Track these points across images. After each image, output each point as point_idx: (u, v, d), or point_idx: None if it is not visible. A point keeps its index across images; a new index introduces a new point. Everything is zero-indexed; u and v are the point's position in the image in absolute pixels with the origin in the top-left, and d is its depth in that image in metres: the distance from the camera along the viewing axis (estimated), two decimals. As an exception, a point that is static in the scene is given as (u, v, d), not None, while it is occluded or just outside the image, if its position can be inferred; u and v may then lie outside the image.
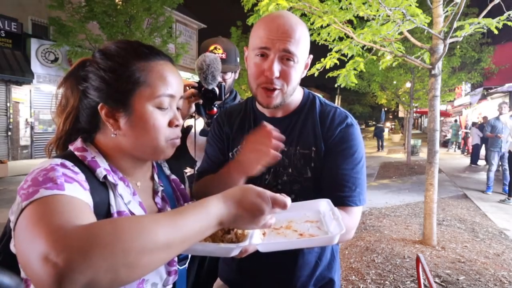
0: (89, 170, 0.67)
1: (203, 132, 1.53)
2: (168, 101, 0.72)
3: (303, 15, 4.08)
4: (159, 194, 0.83)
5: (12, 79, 10.58)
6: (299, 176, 0.97)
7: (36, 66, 11.45)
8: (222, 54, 1.62)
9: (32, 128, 11.71)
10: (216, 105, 1.42)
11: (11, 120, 11.07)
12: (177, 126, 0.75)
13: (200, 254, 0.69)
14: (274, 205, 0.62)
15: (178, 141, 0.77)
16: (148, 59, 0.72)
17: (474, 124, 12.51)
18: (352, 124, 0.99)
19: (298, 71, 0.94)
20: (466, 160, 12.30)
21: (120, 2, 9.52)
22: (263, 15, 3.79)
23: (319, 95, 1.09)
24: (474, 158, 11.22)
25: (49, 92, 12.03)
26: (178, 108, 0.77)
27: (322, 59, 4.31)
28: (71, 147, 0.71)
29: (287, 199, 0.64)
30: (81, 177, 0.63)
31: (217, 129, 1.14)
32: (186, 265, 0.84)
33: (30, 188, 0.54)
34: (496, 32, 3.57)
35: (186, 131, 1.56)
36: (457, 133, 16.00)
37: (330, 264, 1.07)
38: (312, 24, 3.92)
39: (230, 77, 1.68)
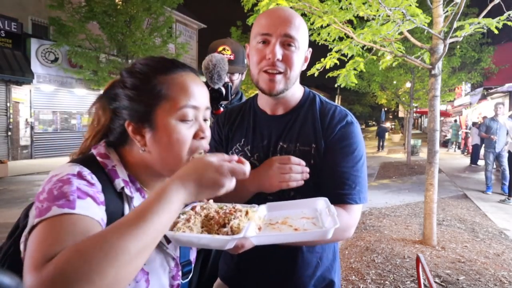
0: (107, 178, 0.68)
1: None
2: (192, 113, 0.71)
3: (303, 15, 4.07)
4: None
5: (12, 79, 10.58)
6: None
7: (36, 66, 11.45)
8: (230, 55, 1.65)
9: (32, 128, 11.72)
10: (222, 105, 1.43)
11: (11, 120, 11.07)
12: (202, 138, 0.73)
13: (195, 246, 0.70)
14: (234, 176, 0.63)
15: (205, 149, 0.76)
16: (169, 72, 0.71)
17: (474, 124, 12.52)
18: (352, 122, 0.99)
19: (299, 57, 0.95)
20: (466, 160, 12.31)
21: (120, 2, 9.52)
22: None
23: (319, 94, 1.09)
24: (474, 158, 11.22)
25: (49, 92, 12.04)
26: (205, 120, 0.76)
27: (322, 59, 4.31)
28: (93, 151, 0.72)
29: (246, 167, 0.64)
30: (97, 188, 0.64)
31: (217, 132, 1.14)
32: (189, 278, 0.83)
33: (45, 202, 0.57)
34: (496, 32, 3.57)
35: None
36: (457, 133, 16.01)
37: (331, 265, 1.06)
38: (312, 24, 3.92)
39: (237, 78, 1.70)
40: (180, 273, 0.79)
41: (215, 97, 1.39)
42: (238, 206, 0.80)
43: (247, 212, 0.76)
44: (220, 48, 1.67)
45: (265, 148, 1.02)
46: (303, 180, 0.92)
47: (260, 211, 0.82)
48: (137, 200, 0.72)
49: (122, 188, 0.68)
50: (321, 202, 0.83)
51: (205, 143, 0.75)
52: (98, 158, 0.70)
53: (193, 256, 0.86)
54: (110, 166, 0.70)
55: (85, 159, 0.69)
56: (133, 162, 0.74)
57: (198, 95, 0.72)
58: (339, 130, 0.97)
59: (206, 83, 1.39)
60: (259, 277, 1.03)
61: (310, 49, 1.02)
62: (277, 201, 0.92)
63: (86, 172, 0.64)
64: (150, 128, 0.70)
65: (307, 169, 0.92)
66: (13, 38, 10.93)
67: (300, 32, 0.93)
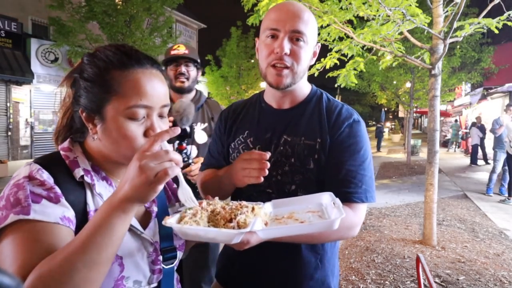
0: (68, 170, 0.71)
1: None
2: (143, 112, 0.70)
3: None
4: None
5: (12, 79, 10.57)
6: (302, 167, 0.97)
7: (36, 66, 11.44)
8: (185, 50, 1.88)
9: (32, 128, 11.71)
10: (185, 142, 1.63)
11: (11, 120, 11.06)
12: None
13: (202, 240, 0.69)
14: (153, 142, 0.59)
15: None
16: (124, 68, 0.71)
17: (474, 124, 12.52)
18: (359, 120, 1.00)
19: (307, 52, 0.95)
20: (466, 160, 12.30)
21: (120, 2, 9.50)
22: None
23: (325, 92, 1.10)
24: (474, 158, 11.22)
25: (49, 92, 12.02)
26: (162, 116, 0.75)
27: (322, 59, 4.31)
28: (59, 147, 0.76)
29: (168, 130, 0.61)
30: (48, 183, 0.66)
31: (220, 125, 1.16)
32: (174, 264, 0.82)
33: (4, 210, 0.62)
34: (496, 32, 3.57)
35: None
36: (457, 133, 15.99)
37: (331, 270, 1.05)
38: (312, 24, 3.92)
39: (193, 70, 1.91)
40: (160, 257, 0.79)
41: (182, 135, 1.58)
42: (244, 202, 0.80)
43: (253, 209, 0.76)
44: (175, 46, 1.90)
45: (268, 141, 1.02)
46: (261, 178, 0.88)
47: (266, 208, 0.83)
48: (101, 187, 0.74)
49: (82, 176, 0.71)
50: (326, 197, 0.83)
51: None
52: (61, 152, 0.74)
53: (179, 242, 0.85)
54: (71, 158, 0.73)
55: (47, 156, 0.74)
56: (93, 152, 0.76)
57: (152, 94, 0.71)
58: (346, 128, 0.97)
59: (174, 122, 1.56)
60: (257, 277, 1.03)
61: (319, 44, 1.02)
62: (278, 196, 0.92)
63: (35, 169, 0.67)
64: (100, 120, 0.71)
65: (267, 165, 0.87)
66: (13, 38, 10.91)
67: (309, 27, 0.93)
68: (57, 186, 0.67)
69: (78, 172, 0.71)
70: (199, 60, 1.96)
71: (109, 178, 0.77)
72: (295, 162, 0.97)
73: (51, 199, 0.64)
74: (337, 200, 0.77)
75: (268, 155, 0.88)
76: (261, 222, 0.73)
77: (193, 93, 1.98)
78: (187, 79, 1.87)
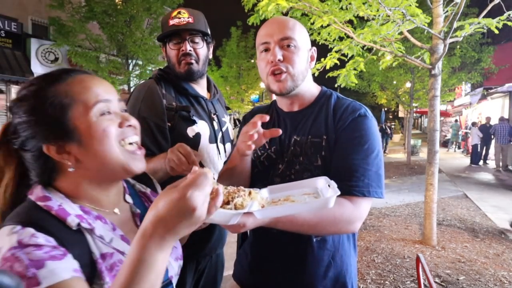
0: (59, 222, 0.61)
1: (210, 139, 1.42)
2: (107, 106, 0.68)
3: (303, 15, 4.08)
4: (138, 216, 0.80)
5: (12, 79, 10.57)
6: (310, 164, 0.99)
7: (36, 66, 11.44)
8: (188, 18, 1.36)
9: (32, 128, 11.72)
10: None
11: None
12: (130, 126, 0.71)
13: None
14: (193, 184, 0.52)
15: (137, 140, 0.74)
16: (61, 80, 0.67)
17: (474, 124, 12.51)
18: (366, 115, 0.99)
19: (301, 56, 1.00)
20: (466, 160, 12.30)
21: (120, 2, 9.51)
22: (263, 15, 3.81)
23: (337, 92, 1.12)
24: (474, 158, 11.22)
25: (49, 92, 12.02)
26: (125, 110, 0.74)
27: (322, 59, 4.32)
28: (31, 197, 0.64)
29: (202, 170, 0.55)
30: (48, 244, 0.56)
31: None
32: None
33: None
34: (496, 32, 3.57)
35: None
36: (457, 133, 15.99)
37: (346, 268, 1.04)
38: (312, 24, 3.92)
39: (202, 46, 1.41)
40: None
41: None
42: (242, 187, 0.81)
43: (250, 193, 0.77)
44: (175, 13, 1.37)
45: (282, 141, 1.06)
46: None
47: (263, 193, 0.84)
48: (100, 228, 0.66)
49: (78, 224, 0.62)
50: (321, 181, 0.84)
51: (133, 131, 0.72)
52: (39, 203, 0.62)
53: (172, 272, 0.78)
54: (56, 207, 0.63)
55: (23, 213, 0.61)
56: (75, 190, 0.68)
57: (104, 90, 0.70)
58: (350, 122, 0.98)
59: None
60: (272, 277, 1.04)
61: (314, 48, 1.06)
62: None
63: (27, 236, 0.55)
64: (72, 138, 0.65)
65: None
66: (13, 38, 10.91)
67: (297, 32, 0.99)
68: (61, 244, 0.58)
69: (73, 221, 0.62)
70: (209, 31, 1.45)
71: (101, 215, 0.69)
72: (303, 160, 1.00)
73: (54, 258, 0.55)
74: (332, 182, 0.77)
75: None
76: (258, 205, 0.75)
77: (205, 80, 1.50)
78: (196, 61, 1.38)
